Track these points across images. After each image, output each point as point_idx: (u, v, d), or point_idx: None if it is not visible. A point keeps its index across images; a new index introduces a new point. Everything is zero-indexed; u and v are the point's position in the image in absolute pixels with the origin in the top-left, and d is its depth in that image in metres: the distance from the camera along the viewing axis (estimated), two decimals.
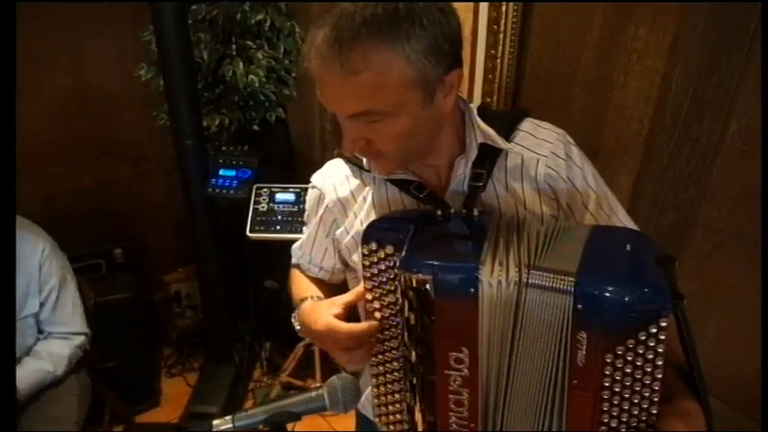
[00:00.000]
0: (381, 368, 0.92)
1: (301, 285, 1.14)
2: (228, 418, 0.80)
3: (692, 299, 1.38)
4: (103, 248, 2.47)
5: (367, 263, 0.85)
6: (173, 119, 2.18)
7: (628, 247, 0.80)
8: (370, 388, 0.98)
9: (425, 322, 0.80)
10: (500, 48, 1.65)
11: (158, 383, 2.71)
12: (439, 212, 0.90)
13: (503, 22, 1.62)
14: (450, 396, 0.83)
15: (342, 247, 1.06)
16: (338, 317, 0.91)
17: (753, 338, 1.29)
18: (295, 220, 2.14)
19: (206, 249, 2.40)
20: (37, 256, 1.72)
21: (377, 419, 0.98)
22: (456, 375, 0.81)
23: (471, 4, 1.68)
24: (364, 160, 0.98)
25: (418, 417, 0.89)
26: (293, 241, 1.19)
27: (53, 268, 1.76)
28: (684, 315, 0.73)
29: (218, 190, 2.22)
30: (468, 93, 1.78)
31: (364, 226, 0.89)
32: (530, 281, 0.75)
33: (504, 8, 1.60)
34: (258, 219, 2.17)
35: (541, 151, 0.95)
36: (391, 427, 0.96)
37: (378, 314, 0.88)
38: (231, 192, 2.22)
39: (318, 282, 1.15)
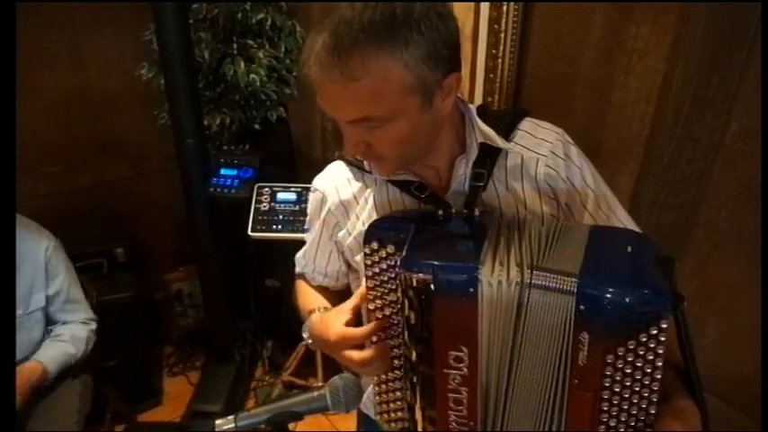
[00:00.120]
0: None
1: (308, 297, 1.14)
2: (231, 417, 0.81)
3: (693, 298, 1.38)
4: (105, 247, 2.48)
5: (369, 262, 0.86)
6: (174, 118, 2.19)
7: (629, 249, 0.80)
8: (371, 387, 0.98)
9: (426, 321, 0.81)
10: (501, 47, 1.65)
11: (160, 382, 2.72)
12: (440, 212, 0.91)
13: (503, 21, 1.62)
14: (450, 395, 0.83)
15: (344, 248, 1.06)
16: (348, 323, 0.92)
17: (753, 338, 1.30)
18: (296, 219, 2.15)
19: (207, 248, 2.40)
20: (41, 253, 1.76)
21: (378, 417, 0.98)
22: (455, 374, 0.82)
23: (472, 3, 1.69)
24: (365, 162, 0.98)
25: (418, 415, 0.89)
26: (295, 240, 1.20)
27: (59, 264, 1.81)
28: (684, 316, 0.74)
29: (219, 189, 2.23)
30: (469, 92, 1.78)
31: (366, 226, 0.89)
32: (533, 281, 0.75)
33: (504, 8, 1.60)
34: (259, 218, 2.18)
35: (541, 151, 0.96)
36: (392, 426, 0.97)
37: (379, 313, 0.88)
38: (232, 191, 2.22)
39: (324, 290, 1.16)
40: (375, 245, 0.84)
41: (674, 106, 1.36)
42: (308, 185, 1.09)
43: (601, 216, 0.97)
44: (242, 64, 2.28)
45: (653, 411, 0.75)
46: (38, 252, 1.75)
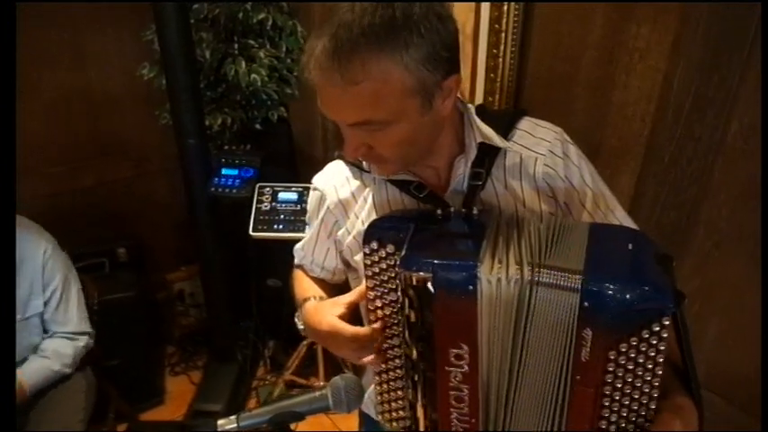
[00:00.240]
0: (383, 365, 0.93)
1: (304, 285, 1.15)
2: (233, 418, 0.81)
3: (694, 297, 1.39)
4: (107, 248, 2.48)
5: (368, 262, 0.86)
6: (175, 118, 2.19)
7: (630, 246, 0.81)
8: (372, 386, 0.99)
9: (426, 320, 0.81)
10: (502, 47, 1.66)
11: (162, 382, 2.72)
12: (439, 211, 0.91)
13: (504, 21, 1.62)
14: (451, 392, 0.84)
15: (344, 247, 1.06)
16: (342, 317, 0.92)
17: (753, 337, 1.30)
18: (298, 219, 2.15)
19: (209, 248, 2.41)
20: (39, 256, 1.73)
21: (380, 416, 0.99)
22: (456, 372, 0.82)
23: (473, 3, 1.69)
24: (364, 161, 0.98)
25: (420, 413, 0.90)
26: (296, 240, 1.20)
27: (56, 268, 1.77)
28: (683, 314, 0.74)
29: (220, 189, 2.23)
30: (470, 92, 1.79)
31: (365, 226, 0.90)
32: (539, 279, 0.76)
33: (505, 8, 1.60)
34: (261, 218, 2.18)
35: (540, 150, 0.96)
36: (394, 424, 0.97)
37: (379, 312, 0.89)
38: (234, 191, 2.23)
39: (321, 282, 1.16)
40: (375, 245, 0.85)
41: (674, 105, 1.36)
42: (310, 185, 1.10)
43: (599, 215, 0.97)
44: (243, 64, 2.29)
45: (653, 407, 0.76)
46: (36, 254, 1.73)
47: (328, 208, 1.05)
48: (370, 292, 0.88)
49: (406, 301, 0.82)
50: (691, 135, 1.35)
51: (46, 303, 1.76)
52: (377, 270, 0.86)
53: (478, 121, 0.95)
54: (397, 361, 0.91)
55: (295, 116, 2.67)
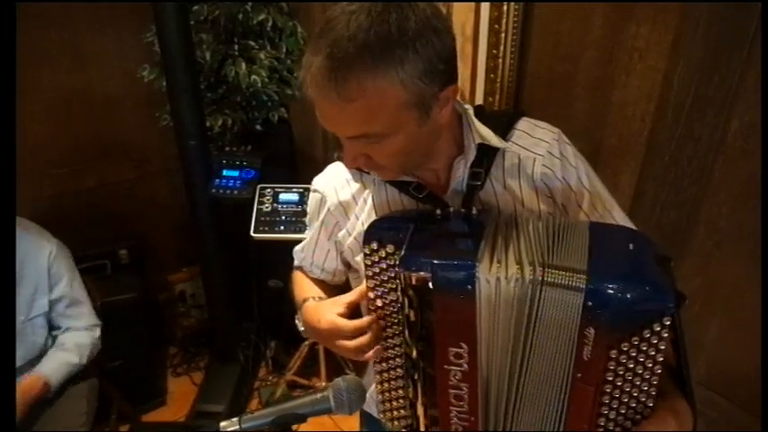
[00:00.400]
0: (384, 365, 0.94)
1: (303, 286, 1.15)
2: (235, 420, 0.81)
3: (694, 297, 1.39)
4: (108, 249, 2.49)
5: (368, 262, 0.87)
6: (176, 120, 2.19)
7: (630, 246, 0.82)
8: (373, 386, 0.99)
9: (426, 319, 0.82)
10: (501, 47, 1.66)
11: (164, 383, 2.73)
12: (438, 211, 0.91)
13: (504, 21, 1.62)
14: (451, 390, 0.84)
15: (344, 249, 1.07)
16: (342, 316, 0.93)
17: (753, 336, 1.30)
18: (299, 220, 2.15)
19: (210, 249, 2.41)
20: (44, 258, 1.75)
21: (381, 416, 0.99)
22: (456, 370, 0.83)
23: (473, 3, 1.69)
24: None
25: (420, 411, 0.90)
26: (297, 241, 1.20)
27: (62, 268, 1.80)
28: (680, 316, 0.75)
29: (221, 190, 2.23)
30: (470, 92, 1.79)
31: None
32: (547, 279, 0.76)
33: (505, 8, 1.60)
34: (262, 219, 2.18)
35: (538, 150, 0.96)
36: (396, 423, 0.97)
37: (380, 312, 0.89)
38: (235, 192, 2.23)
39: (320, 283, 1.17)
40: (375, 245, 0.85)
41: (674, 105, 1.36)
42: (310, 186, 1.10)
43: (596, 216, 0.98)
44: (243, 65, 2.29)
45: (651, 405, 0.77)
46: (41, 256, 1.74)
47: (329, 210, 1.05)
48: (371, 292, 0.89)
49: (406, 300, 0.82)
50: (691, 134, 1.35)
51: (55, 302, 1.79)
52: (377, 270, 0.86)
53: (477, 122, 0.95)
54: (398, 360, 0.92)
55: (295, 117, 2.67)
